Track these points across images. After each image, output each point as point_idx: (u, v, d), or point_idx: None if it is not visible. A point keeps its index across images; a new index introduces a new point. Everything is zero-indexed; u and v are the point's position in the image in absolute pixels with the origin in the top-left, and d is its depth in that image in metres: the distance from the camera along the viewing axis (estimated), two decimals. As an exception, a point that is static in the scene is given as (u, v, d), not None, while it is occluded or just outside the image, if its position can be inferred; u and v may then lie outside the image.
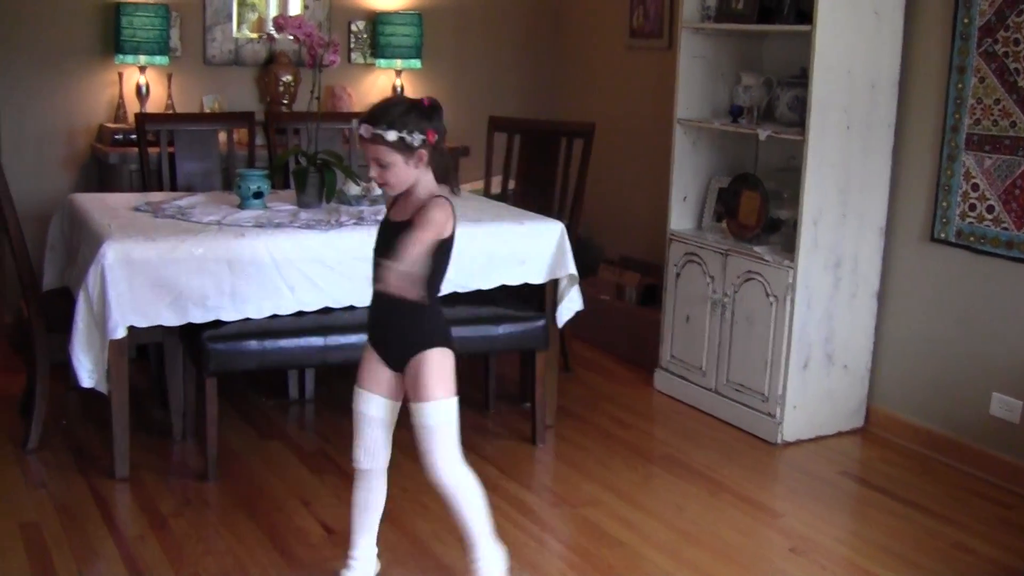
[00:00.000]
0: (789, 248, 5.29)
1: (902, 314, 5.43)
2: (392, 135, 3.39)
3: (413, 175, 3.46)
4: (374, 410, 3.68)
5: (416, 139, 3.40)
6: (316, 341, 4.73)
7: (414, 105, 3.45)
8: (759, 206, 5.49)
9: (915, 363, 5.39)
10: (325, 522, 4.40)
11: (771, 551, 4.32)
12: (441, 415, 3.59)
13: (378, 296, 3.55)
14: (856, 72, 5.13)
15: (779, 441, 5.34)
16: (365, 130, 3.41)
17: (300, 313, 4.74)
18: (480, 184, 6.72)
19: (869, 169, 5.28)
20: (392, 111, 3.41)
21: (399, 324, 3.56)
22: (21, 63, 6.29)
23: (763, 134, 5.37)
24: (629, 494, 4.77)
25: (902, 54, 5.25)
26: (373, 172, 3.45)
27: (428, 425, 3.58)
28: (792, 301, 5.23)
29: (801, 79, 5.32)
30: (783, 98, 5.46)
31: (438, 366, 3.58)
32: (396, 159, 3.41)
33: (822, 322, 5.33)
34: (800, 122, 5.23)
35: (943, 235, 5.19)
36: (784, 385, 5.30)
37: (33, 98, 6.34)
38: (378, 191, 5.34)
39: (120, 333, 4.45)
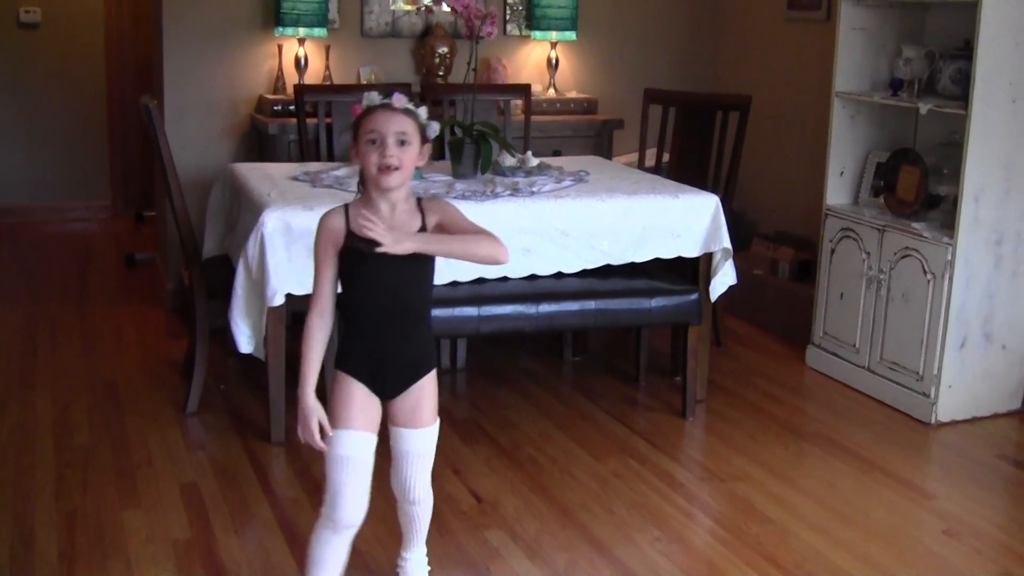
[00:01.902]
0: (948, 225, 5.19)
1: (1066, 294, 5.30)
2: (424, 113, 3.18)
3: (413, 169, 3.17)
4: (367, 451, 3.24)
5: (433, 129, 3.20)
6: (470, 311, 4.77)
7: None
8: (918, 181, 5.39)
9: (1078, 344, 5.26)
10: (475, 490, 4.44)
11: (924, 533, 4.25)
12: (434, 439, 3.39)
13: (380, 319, 3.20)
14: None
15: (933, 421, 5.25)
16: (399, 100, 3.12)
17: (455, 283, 4.77)
18: (635, 157, 6.71)
19: (1034, 145, 5.16)
20: (406, 91, 3.15)
21: (405, 346, 3.24)
22: (186, 35, 6.42)
23: (924, 108, 5.27)
24: (779, 470, 4.73)
25: (1071, 26, 5.11)
26: (391, 152, 3.06)
27: (422, 451, 3.37)
28: (950, 279, 5.13)
29: (965, 51, 5.20)
30: (945, 71, 5.35)
31: (435, 388, 3.36)
32: (415, 143, 3.13)
33: (981, 301, 5.21)
34: (963, 96, 5.11)
35: (1111, 213, 5.05)
36: (940, 364, 5.21)
37: (196, 69, 6.47)
38: (534, 161, 5.37)
39: (278, 300, 4.53)
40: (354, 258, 3.13)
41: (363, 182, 3.20)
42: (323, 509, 3.25)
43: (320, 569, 3.29)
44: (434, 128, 3.19)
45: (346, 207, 3.19)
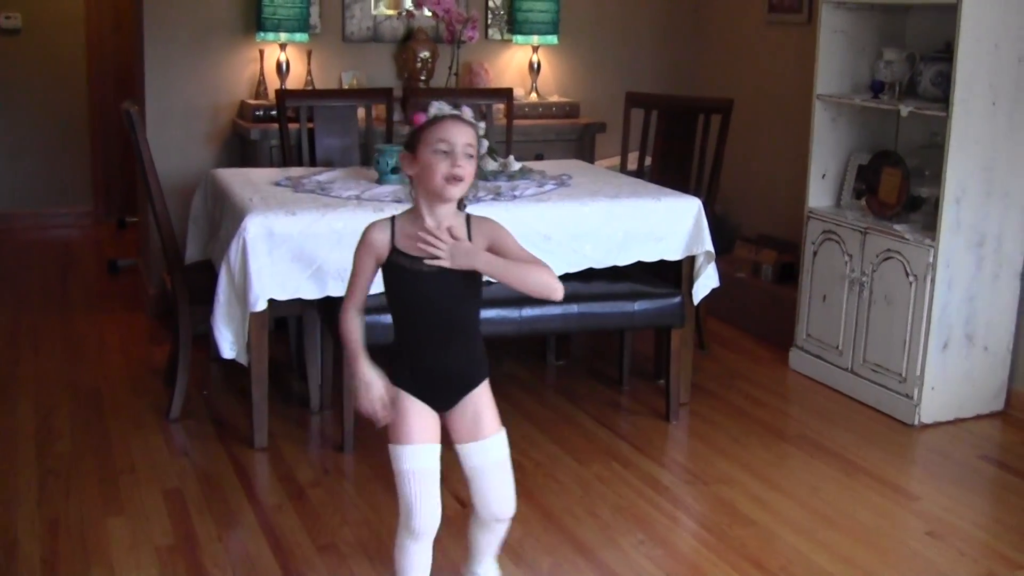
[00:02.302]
0: (930, 227, 5.20)
1: (1047, 295, 5.32)
2: (483, 127, 3.14)
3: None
4: (432, 462, 3.21)
5: (484, 145, 3.13)
6: (452, 316, 4.76)
7: None
8: (900, 183, 5.40)
9: (1060, 345, 5.28)
10: (460, 496, 4.43)
11: (908, 534, 4.26)
12: (504, 449, 3.31)
13: (431, 334, 3.19)
14: (1003, 46, 5.02)
15: (916, 423, 5.26)
16: (468, 112, 3.10)
17: (436, 288, 4.77)
18: (617, 160, 6.72)
19: (1015, 146, 5.16)
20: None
21: (455, 360, 3.22)
22: (167, 41, 6.40)
23: (905, 110, 5.28)
24: (763, 473, 4.74)
25: (1051, 28, 5.13)
26: (461, 162, 3.01)
27: (500, 459, 3.29)
28: (932, 281, 5.14)
29: (945, 54, 5.22)
30: (926, 73, 5.36)
31: (491, 397, 3.31)
32: (475, 157, 3.08)
33: (963, 302, 5.23)
34: (944, 98, 5.13)
35: (1091, 214, 5.07)
36: (922, 366, 5.22)
37: (177, 75, 6.46)
38: (516, 166, 5.37)
39: (261, 306, 4.53)
40: (398, 272, 3.12)
41: (416, 192, 3.13)
42: (402, 520, 3.23)
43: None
44: (484, 145, 3.14)
45: (392, 220, 3.15)
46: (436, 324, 3.17)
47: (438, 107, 3.06)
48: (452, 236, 3.06)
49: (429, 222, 3.08)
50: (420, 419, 3.20)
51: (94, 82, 9.32)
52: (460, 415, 3.25)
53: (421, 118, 3.06)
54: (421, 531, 3.21)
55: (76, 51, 9.27)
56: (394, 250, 3.11)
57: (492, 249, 3.14)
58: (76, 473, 4.55)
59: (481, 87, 6.86)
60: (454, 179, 3.02)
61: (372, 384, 3.16)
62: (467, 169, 3.03)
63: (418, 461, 3.18)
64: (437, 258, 3.03)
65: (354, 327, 3.22)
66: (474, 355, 3.27)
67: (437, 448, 3.23)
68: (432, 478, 3.19)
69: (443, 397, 3.24)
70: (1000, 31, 4.99)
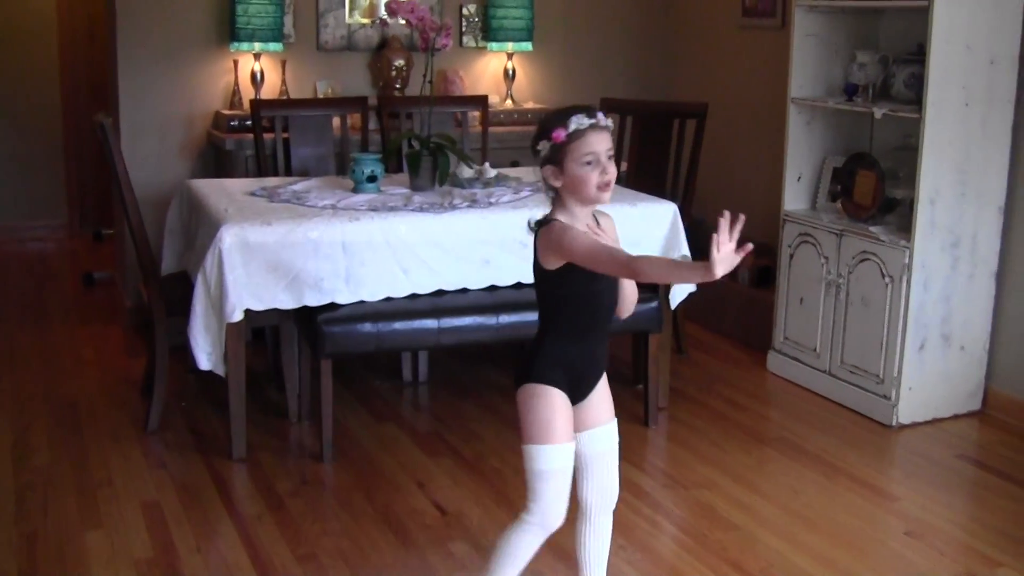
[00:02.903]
0: (905, 228, 5.22)
1: (1022, 294, 5.33)
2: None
3: None
4: (571, 460, 3.27)
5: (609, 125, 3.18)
6: (430, 323, 4.76)
7: None
8: (875, 185, 5.42)
9: (1036, 344, 5.30)
10: (439, 503, 4.43)
11: (887, 535, 4.27)
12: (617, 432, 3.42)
13: (590, 326, 3.23)
14: (975, 47, 5.04)
15: (894, 424, 5.28)
16: (603, 118, 3.12)
17: (414, 296, 4.77)
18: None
19: (988, 147, 5.19)
20: (582, 107, 3.14)
21: (602, 348, 3.30)
22: (140, 52, 6.39)
23: (879, 112, 5.30)
24: (743, 476, 4.74)
25: (1023, 28, 5.14)
26: (611, 168, 3.10)
27: (616, 445, 3.39)
28: (908, 282, 5.16)
29: (918, 56, 5.24)
30: (899, 75, 5.38)
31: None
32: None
33: (939, 303, 5.25)
34: (917, 100, 5.15)
35: (1065, 214, 5.10)
36: (900, 367, 5.24)
37: (151, 86, 6.44)
38: (492, 173, 5.37)
39: (237, 316, 4.52)
40: (578, 270, 3.11)
41: (563, 199, 3.17)
42: (530, 517, 3.25)
43: (516, 569, 3.33)
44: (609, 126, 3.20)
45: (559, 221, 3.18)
46: (600, 318, 3.24)
47: (577, 121, 3.09)
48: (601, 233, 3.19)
49: (587, 222, 3.18)
50: (565, 416, 3.23)
51: (68, 94, 9.28)
52: (587, 404, 3.32)
53: (561, 134, 3.08)
54: (554, 527, 3.27)
55: (49, 63, 9.23)
56: None
57: None
58: (53, 487, 4.52)
59: (456, 95, 6.86)
60: (606, 186, 3.12)
61: (714, 252, 3.07)
62: (613, 172, 3.13)
63: (563, 460, 3.23)
64: None
65: (657, 257, 3.26)
66: (607, 341, 3.35)
67: (574, 445, 3.27)
68: (570, 475, 3.26)
69: (588, 387, 3.31)
70: (972, 32, 5.02)
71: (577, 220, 3.16)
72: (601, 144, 3.09)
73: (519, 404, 3.27)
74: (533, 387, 3.23)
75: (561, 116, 3.12)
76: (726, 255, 3.01)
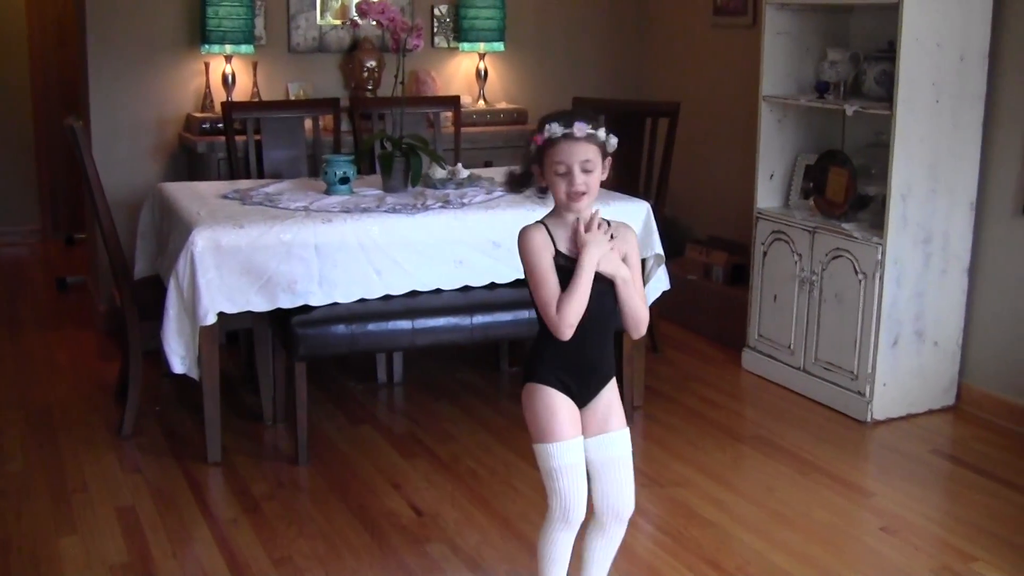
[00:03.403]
0: (878, 225, 5.24)
1: (994, 290, 5.36)
2: (602, 134, 3.17)
3: (598, 188, 3.22)
4: (581, 455, 3.29)
5: (612, 144, 3.20)
6: (404, 325, 4.76)
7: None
8: (847, 182, 5.43)
9: (1008, 339, 5.32)
10: (415, 504, 4.43)
11: (862, 531, 4.28)
12: (630, 442, 3.42)
13: (584, 330, 3.20)
14: (945, 44, 5.06)
15: (869, 420, 5.30)
16: (581, 129, 3.12)
17: (387, 297, 4.77)
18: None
19: (959, 143, 5.21)
20: (584, 113, 3.18)
21: (600, 352, 3.30)
22: (111, 55, 6.36)
23: (850, 109, 5.32)
24: (719, 474, 4.75)
25: (992, 25, 5.16)
26: (578, 181, 3.12)
27: (626, 453, 3.38)
28: (881, 278, 5.17)
29: (888, 53, 5.25)
30: (870, 73, 5.40)
31: (618, 392, 3.41)
32: (598, 165, 3.16)
33: (912, 299, 5.27)
34: (888, 97, 5.17)
35: (1036, 209, 5.12)
36: (873, 363, 5.25)
37: (122, 89, 6.42)
38: (465, 173, 5.37)
39: (210, 319, 4.51)
40: (564, 276, 3.17)
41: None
42: (552, 514, 3.30)
43: (559, 566, 3.38)
44: (613, 143, 3.20)
45: (544, 225, 3.22)
46: (595, 321, 3.23)
47: (549, 130, 3.14)
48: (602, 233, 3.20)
49: (574, 220, 3.20)
50: (568, 415, 3.27)
51: (38, 98, 9.24)
52: (593, 409, 3.33)
53: (538, 139, 3.16)
54: (577, 521, 3.30)
55: (19, 68, 9.19)
56: (557, 253, 3.19)
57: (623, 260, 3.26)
58: (27, 493, 4.50)
59: (428, 95, 6.85)
60: (576, 195, 3.14)
61: (587, 242, 3.15)
62: (588, 183, 3.14)
63: (571, 456, 3.26)
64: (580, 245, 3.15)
65: (563, 299, 3.17)
66: (612, 350, 3.37)
67: (582, 441, 3.30)
68: (582, 469, 3.29)
69: (589, 391, 3.31)
70: (942, 30, 5.03)
71: (566, 224, 3.20)
72: (573, 156, 3.12)
73: (523, 403, 3.33)
74: (531, 387, 3.29)
75: (546, 120, 3.18)
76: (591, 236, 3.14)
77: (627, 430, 3.39)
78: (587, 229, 3.17)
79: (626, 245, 3.28)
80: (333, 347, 4.71)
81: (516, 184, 3.33)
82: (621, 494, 3.38)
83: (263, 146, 5.97)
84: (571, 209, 3.18)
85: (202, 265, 4.47)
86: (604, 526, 3.43)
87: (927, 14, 4.99)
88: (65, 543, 4.09)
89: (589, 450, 3.33)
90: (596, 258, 3.14)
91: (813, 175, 5.67)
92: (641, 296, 3.28)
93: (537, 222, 3.23)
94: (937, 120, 5.12)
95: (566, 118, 3.15)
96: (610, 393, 3.36)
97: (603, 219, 3.23)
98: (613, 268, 3.19)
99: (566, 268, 3.16)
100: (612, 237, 3.22)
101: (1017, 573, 3.96)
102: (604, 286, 3.20)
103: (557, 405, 3.25)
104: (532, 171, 3.24)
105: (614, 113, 6.34)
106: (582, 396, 3.30)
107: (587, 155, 3.13)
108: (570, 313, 3.14)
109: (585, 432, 3.32)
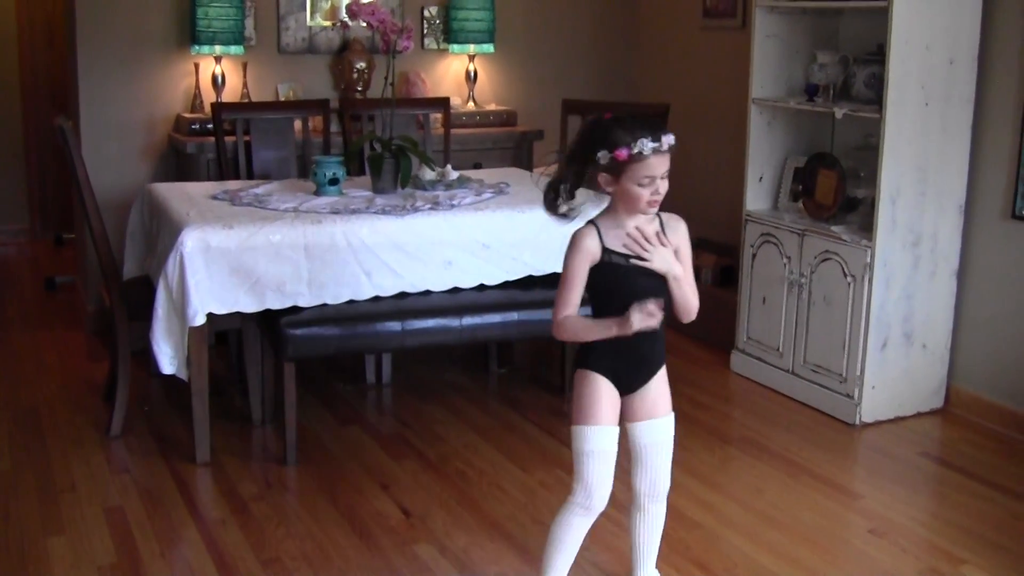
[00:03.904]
0: (867, 227, 5.25)
1: (982, 292, 5.37)
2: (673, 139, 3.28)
3: None
4: (615, 443, 3.40)
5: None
6: (393, 326, 4.76)
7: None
8: (836, 185, 5.44)
9: (996, 342, 5.33)
10: (404, 505, 4.43)
11: (851, 533, 4.29)
12: (673, 430, 3.54)
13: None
14: (934, 47, 5.07)
15: (857, 422, 5.30)
16: (669, 141, 3.24)
17: (377, 298, 4.76)
18: (555, 168, 6.70)
19: (948, 146, 5.22)
20: (650, 122, 3.27)
21: (650, 344, 3.39)
22: (100, 55, 6.35)
23: (839, 112, 5.33)
24: (707, 476, 4.75)
25: (981, 28, 5.17)
26: (661, 189, 3.23)
27: (670, 438, 3.51)
28: (870, 281, 5.18)
29: (878, 56, 5.26)
30: (859, 75, 5.41)
31: (667, 381, 3.52)
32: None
33: (901, 301, 5.27)
34: (877, 100, 5.18)
35: (1024, 212, 5.13)
36: (862, 366, 5.26)
37: (112, 90, 6.41)
38: (454, 175, 5.37)
39: (199, 320, 4.50)
40: (612, 269, 3.28)
41: (612, 201, 3.32)
42: (574, 498, 3.39)
43: (568, 553, 3.48)
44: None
45: (595, 225, 3.31)
46: None
47: (642, 146, 3.19)
48: (660, 242, 3.28)
49: (632, 224, 3.28)
50: (609, 402, 3.37)
51: (28, 98, 9.22)
52: (643, 396, 3.44)
53: (624, 154, 3.18)
54: (596, 508, 3.40)
55: (9, 68, 9.18)
56: (605, 250, 3.28)
57: (675, 254, 3.35)
58: (15, 492, 4.49)
59: (418, 97, 6.85)
60: (655, 203, 3.25)
61: (632, 311, 3.21)
62: (665, 189, 3.25)
63: (606, 442, 3.36)
64: (644, 259, 3.24)
65: (577, 317, 3.32)
66: (662, 340, 3.46)
67: (617, 431, 3.39)
68: (612, 459, 3.38)
69: (638, 379, 3.42)
70: (931, 33, 5.04)
71: (622, 223, 3.29)
72: (660, 168, 3.23)
73: (573, 389, 3.44)
74: (582, 372, 3.40)
75: (628, 134, 3.20)
76: (645, 322, 3.22)
77: (672, 416, 3.51)
78: (645, 239, 3.24)
79: (677, 237, 3.37)
80: (322, 348, 4.70)
81: (566, 194, 3.38)
82: (659, 476, 3.52)
83: (252, 147, 5.96)
84: (645, 213, 3.27)
85: (191, 266, 4.46)
86: (642, 507, 3.59)
87: (916, 17, 5.00)
88: (53, 543, 4.08)
89: (637, 435, 3.46)
90: (638, 323, 3.20)
91: (802, 177, 5.68)
92: (691, 287, 3.37)
93: (589, 223, 3.33)
94: (926, 123, 5.13)
95: (646, 133, 3.20)
96: (659, 381, 3.46)
97: (656, 214, 3.32)
98: (667, 266, 3.27)
99: (616, 264, 3.26)
100: (663, 231, 3.33)
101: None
102: (658, 281, 3.29)
103: (601, 392, 3.36)
104: (598, 179, 3.28)
105: (604, 115, 6.35)
106: (632, 384, 3.41)
107: (668, 164, 3.26)
108: (567, 331, 3.33)
109: (634, 417, 3.44)
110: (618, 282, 3.30)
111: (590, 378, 3.37)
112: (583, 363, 3.40)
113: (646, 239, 3.24)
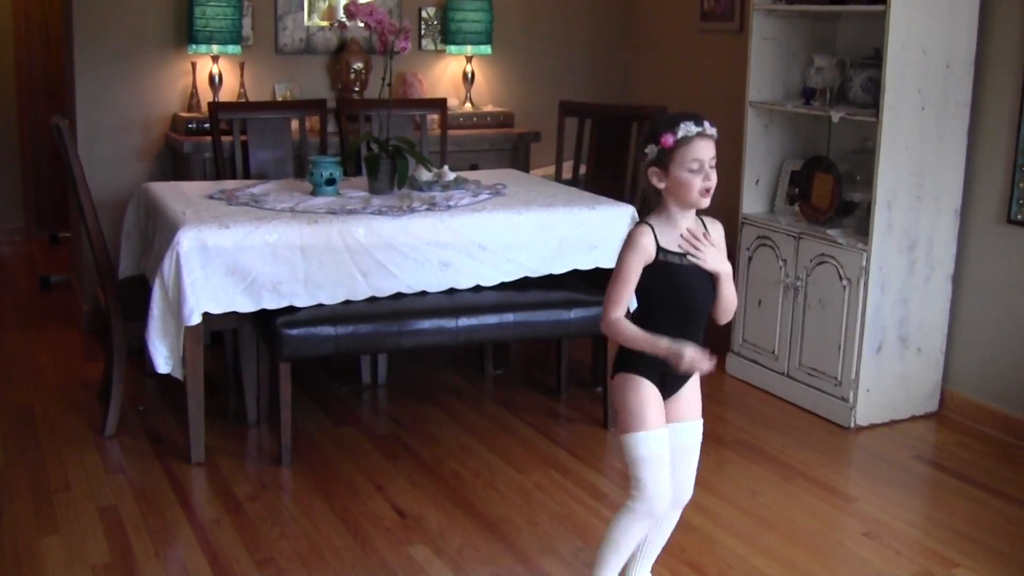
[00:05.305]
0: (863, 231, 5.25)
1: (978, 297, 5.37)
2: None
3: None
4: (668, 446, 3.39)
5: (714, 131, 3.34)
6: (389, 327, 4.75)
7: None
8: (832, 189, 5.45)
9: (991, 346, 5.33)
10: (398, 506, 4.42)
11: (845, 536, 4.29)
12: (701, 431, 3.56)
13: (682, 321, 3.33)
14: (931, 51, 5.07)
15: (852, 425, 5.31)
16: (711, 127, 3.31)
17: (373, 299, 4.76)
18: (551, 169, 6.72)
19: (944, 150, 5.22)
20: (691, 114, 3.33)
21: (700, 341, 3.36)
22: (97, 55, 6.35)
23: (836, 116, 5.33)
24: (702, 479, 4.70)
25: (978, 32, 5.18)
26: (713, 176, 3.28)
27: (699, 442, 3.53)
28: (866, 284, 5.19)
29: (874, 60, 5.27)
30: (856, 79, 5.42)
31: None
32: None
33: (896, 305, 5.28)
34: (874, 103, 5.18)
35: (1020, 216, 5.13)
36: (857, 369, 5.26)
37: (109, 89, 6.40)
38: (451, 176, 5.37)
39: (195, 320, 4.50)
40: (667, 268, 3.30)
41: (664, 200, 3.32)
42: (636, 504, 3.37)
43: (624, 555, 3.48)
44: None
45: (649, 225, 3.31)
46: (693, 312, 3.37)
47: (686, 128, 3.25)
48: (709, 242, 3.33)
49: (684, 225, 3.32)
50: (656, 405, 3.37)
51: (24, 97, 9.21)
52: (677, 399, 3.45)
53: (670, 140, 3.24)
54: (661, 512, 3.40)
55: (5, 67, 9.16)
56: (660, 249, 3.29)
57: None
58: (9, 492, 4.49)
59: (415, 98, 6.85)
60: (707, 192, 3.27)
61: (685, 347, 3.23)
62: (715, 179, 3.29)
63: (661, 445, 3.35)
64: (698, 258, 3.29)
65: (629, 324, 3.32)
66: (703, 343, 3.41)
67: (667, 432, 3.39)
68: (668, 461, 3.38)
69: (677, 382, 3.43)
70: (927, 37, 5.05)
71: (675, 223, 3.31)
72: (706, 152, 3.26)
73: (613, 393, 3.46)
74: (624, 377, 3.39)
75: (671, 122, 3.27)
76: (693, 364, 3.25)
77: (701, 420, 3.53)
78: (694, 238, 3.29)
79: (722, 241, 3.42)
80: (317, 348, 4.70)
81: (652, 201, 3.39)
82: (687, 481, 3.51)
83: (249, 147, 5.96)
84: (699, 205, 3.29)
85: (187, 265, 4.46)
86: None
87: (913, 21, 5.00)
88: (47, 543, 4.07)
89: (672, 436, 3.44)
90: (686, 365, 3.23)
91: (798, 181, 5.68)
92: (733, 287, 3.41)
93: (643, 222, 3.34)
94: (922, 127, 5.14)
95: (687, 119, 3.28)
96: (693, 384, 3.48)
97: (698, 217, 3.36)
98: (720, 265, 3.32)
99: (672, 263, 3.28)
100: (707, 233, 3.36)
101: (998, 579, 3.98)
102: (704, 282, 3.32)
103: (649, 396, 3.36)
104: (650, 176, 3.31)
105: (601, 117, 6.37)
106: (671, 387, 3.42)
107: (714, 152, 3.29)
108: (617, 333, 3.31)
109: (670, 419, 3.43)
110: (672, 281, 3.31)
111: (636, 382, 3.36)
112: (629, 367, 3.38)
113: (699, 240, 3.29)
